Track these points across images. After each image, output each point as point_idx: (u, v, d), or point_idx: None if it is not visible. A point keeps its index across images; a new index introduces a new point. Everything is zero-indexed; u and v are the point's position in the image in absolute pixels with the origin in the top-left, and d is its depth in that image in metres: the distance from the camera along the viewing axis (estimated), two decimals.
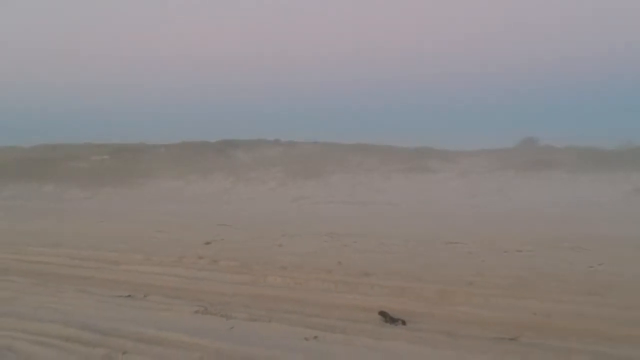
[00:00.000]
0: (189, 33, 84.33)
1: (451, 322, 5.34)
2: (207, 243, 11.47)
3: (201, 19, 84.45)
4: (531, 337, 4.75)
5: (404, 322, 5.19)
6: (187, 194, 31.58)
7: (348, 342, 4.59)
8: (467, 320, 5.42)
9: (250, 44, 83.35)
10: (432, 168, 36.48)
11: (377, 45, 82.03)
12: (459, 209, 22.60)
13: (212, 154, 38.94)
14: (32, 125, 64.94)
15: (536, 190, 30.32)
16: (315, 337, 4.69)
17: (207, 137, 41.45)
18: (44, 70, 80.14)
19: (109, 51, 79.95)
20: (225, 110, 73.74)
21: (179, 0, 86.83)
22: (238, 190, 33.40)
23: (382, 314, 5.32)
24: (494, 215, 20.00)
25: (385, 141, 40.87)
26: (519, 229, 15.04)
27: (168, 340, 4.54)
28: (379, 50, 79.85)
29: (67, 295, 6.50)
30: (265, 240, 11.97)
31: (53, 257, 9.51)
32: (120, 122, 64.99)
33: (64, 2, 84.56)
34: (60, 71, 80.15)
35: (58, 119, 69.89)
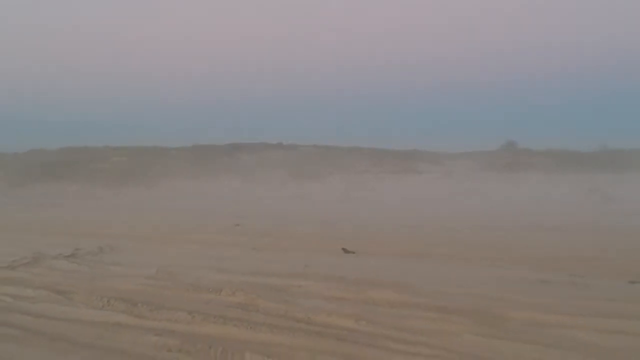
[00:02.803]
0: (199, 44, 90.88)
1: (382, 253, 10.65)
2: (236, 225, 16.77)
3: (209, 30, 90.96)
4: (417, 257, 10.09)
5: (354, 252, 10.51)
6: (201, 193, 36.84)
7: (325, 258, 9.94)
8: (393, 253, 10.73)
9: (253, 54, 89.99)
10: (419, 169, 41.80)
11: (371, 56, 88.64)
12: (433, 205, 27.90)
13: (221, 156, 44.23)
14: (56, 129, 71.05)
15: (508, 190, 35.59)
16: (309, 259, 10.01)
17: (216, 141, 46.67)
18: (68, 80, 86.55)
19: (122, 62, 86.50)
20: (232, 116, 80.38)
21: (190, 13, 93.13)
22: (245, 189, 38.74)
23: (343, 249, 10.65)
24: (459, 209, 25.28)
25: (379, 144, 45.93)
26: (473, 219, 20.34)
27: (240, 257, 9.89)
28: (373, 60, 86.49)
29: (178, 245, 11.91)
30: (275, 226, 17.23)
31: (141, 232, 14.83)
32: (136, 127, 71.24)
33: (83, 9, 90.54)
34: (79, 80, 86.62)
35: (80, 124, 76.25)
